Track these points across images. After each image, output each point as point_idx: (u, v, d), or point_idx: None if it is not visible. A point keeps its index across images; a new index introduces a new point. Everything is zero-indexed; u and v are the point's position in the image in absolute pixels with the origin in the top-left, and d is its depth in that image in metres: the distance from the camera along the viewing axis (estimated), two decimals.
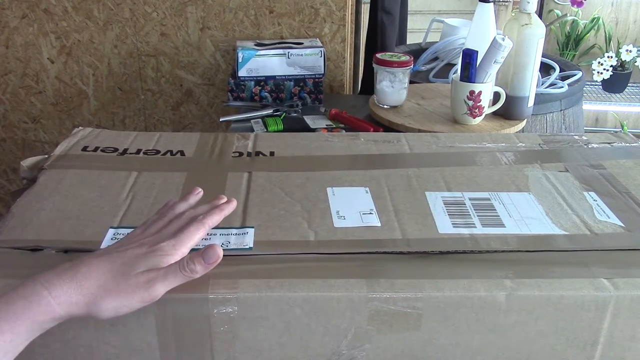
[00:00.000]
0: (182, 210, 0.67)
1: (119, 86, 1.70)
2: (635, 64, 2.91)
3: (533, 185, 0.82)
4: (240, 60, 1.46)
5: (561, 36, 3.00)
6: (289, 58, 1.47)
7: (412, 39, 1.96)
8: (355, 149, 0.92)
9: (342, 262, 0.65)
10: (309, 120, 1.36)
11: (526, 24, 1.20)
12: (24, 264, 0.64)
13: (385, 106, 1.34)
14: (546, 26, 1.25)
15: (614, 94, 2.97)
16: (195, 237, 0.62)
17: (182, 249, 0.61)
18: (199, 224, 0.63)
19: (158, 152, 0.89)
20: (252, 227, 0.70)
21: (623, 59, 2.90)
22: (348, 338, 0.61)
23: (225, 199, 0.70)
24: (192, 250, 0.62)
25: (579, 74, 1.53)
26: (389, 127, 1.26)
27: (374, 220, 0.72)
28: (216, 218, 0.66)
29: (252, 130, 1.31)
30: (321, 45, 1.50)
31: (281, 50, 1.47)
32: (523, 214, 0.74)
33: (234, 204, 0.70)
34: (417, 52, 1.69)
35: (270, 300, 0.60)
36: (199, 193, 0.71)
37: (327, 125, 1.32)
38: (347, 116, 1.33)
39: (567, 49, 2.98)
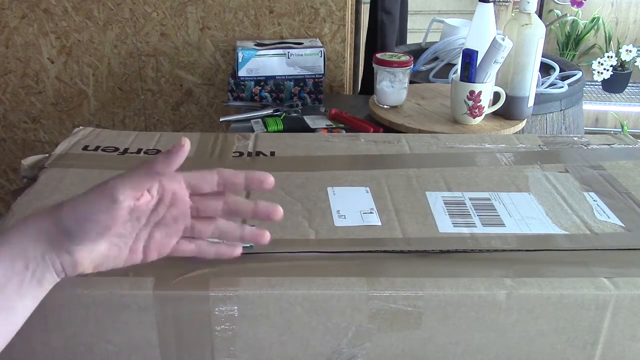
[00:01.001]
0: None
1: (119, 86, 1.70)
2: (635, 64, 2.91)
3: (533, 186, 0.82)
4: (240, 60, 1.46)
5: (561, 36, 3.00)
6: (289, 58, 1.47)
7: (412, 39, 1.96)
8: (355, 149, 0.92)
9: (342, 261, 0.65)
10: (309, 120, 1.36)
11: (526, 24, 1.21)
12: None
13: (385, 106, 1.34)
14: (546, 26, 1.25)
15: (614, 94, 2.97)
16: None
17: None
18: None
19: (159, 151, 0.89)
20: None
21: (623, 59, 2.90)
22: (348, 336, 0.61)
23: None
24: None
25: (579, 74, 1.53)
26: (389, 127, 1.26)
27: (375, 220, 0.72)
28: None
29: (252, 130, 1.31)
30: (321, 45, 1.50)
31: (281, 50, 1.47)
32: (523, 214, 0.74)
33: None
34: (417, 52, 1.69)
35: (271, 299, 0.60)
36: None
37: (327, 125, 1.33)
38: (347, 116, 1.33)
39: (567, 49, 2.98)
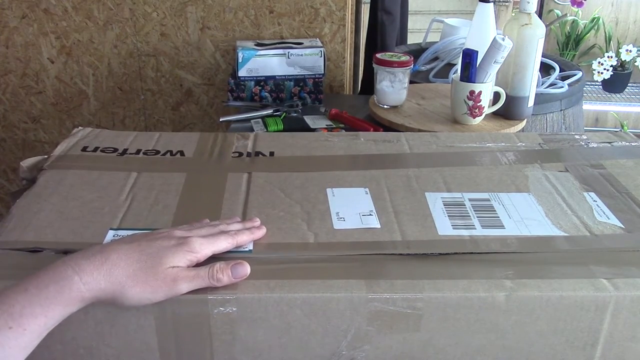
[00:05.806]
0: (217, 224, 0.68)
1: (119, 86, 1.70)
2: (635, 64, 2.91)
3: (533, 186, 0.82)
4: (240, 60, 1.46)
5: (561, 36, 3.00)
6: (289, 58, 1.47)
7: (412, 39, 1.96)
8: (355, 148, 0.92)
9: (341, 263, 0.65)
10: (309, 120, 1.36)
11: (526, 24, 1.20)
12: (23, 265, 0.64)
13: (385, 106, 1.34)
14: (546, 26, 1.25)
15: (614, 94, 2.97)
16: (221, 245, 0.64)
17: (206, 250, 0.62)
18: (229, 237, 0.65)
19: (158, 152, 0.89)
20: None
21: (623, 59, 2.90)
22: (348, 339, 0.61)
23: (258, 222, 0.71)
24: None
25: (579, 74, 1.53)
26: (389, 127, 1.26)
27: (374, 222, 0.72)
28: (245, 238, 0.67)
29: (252, 130, 1.31)
30: (321, 45, 1.50)
31: (281, 50, 1.47)
32: (523, 215, 0.74)
33: (263, 231, 0.70)
34: (417, 52, 1.69)
35: (270, 301, 0.60)
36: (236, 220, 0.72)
37: (327, 125, 1.32)
38: (347, 116, 1.33)
39: (567, 49, 2.98)
